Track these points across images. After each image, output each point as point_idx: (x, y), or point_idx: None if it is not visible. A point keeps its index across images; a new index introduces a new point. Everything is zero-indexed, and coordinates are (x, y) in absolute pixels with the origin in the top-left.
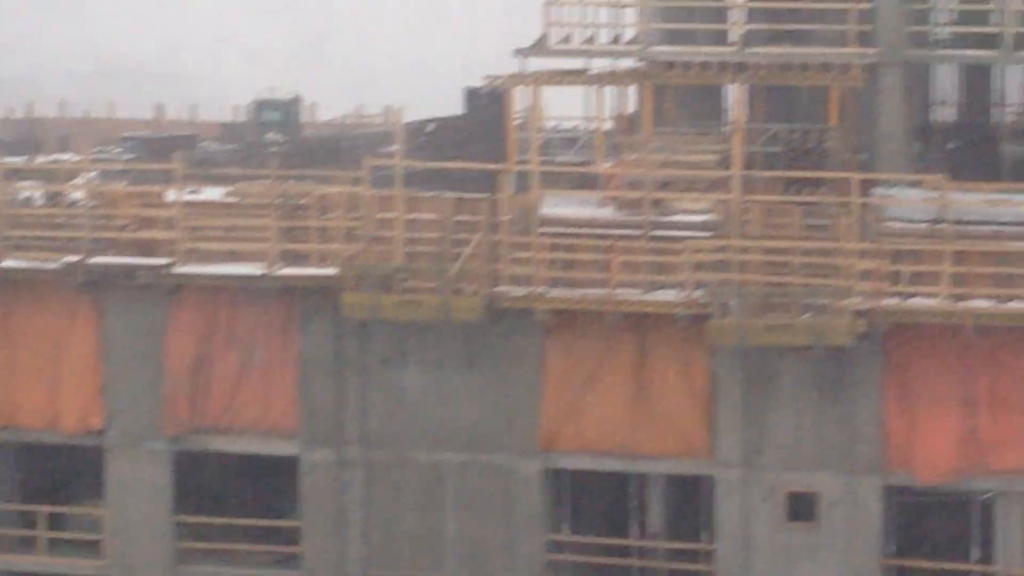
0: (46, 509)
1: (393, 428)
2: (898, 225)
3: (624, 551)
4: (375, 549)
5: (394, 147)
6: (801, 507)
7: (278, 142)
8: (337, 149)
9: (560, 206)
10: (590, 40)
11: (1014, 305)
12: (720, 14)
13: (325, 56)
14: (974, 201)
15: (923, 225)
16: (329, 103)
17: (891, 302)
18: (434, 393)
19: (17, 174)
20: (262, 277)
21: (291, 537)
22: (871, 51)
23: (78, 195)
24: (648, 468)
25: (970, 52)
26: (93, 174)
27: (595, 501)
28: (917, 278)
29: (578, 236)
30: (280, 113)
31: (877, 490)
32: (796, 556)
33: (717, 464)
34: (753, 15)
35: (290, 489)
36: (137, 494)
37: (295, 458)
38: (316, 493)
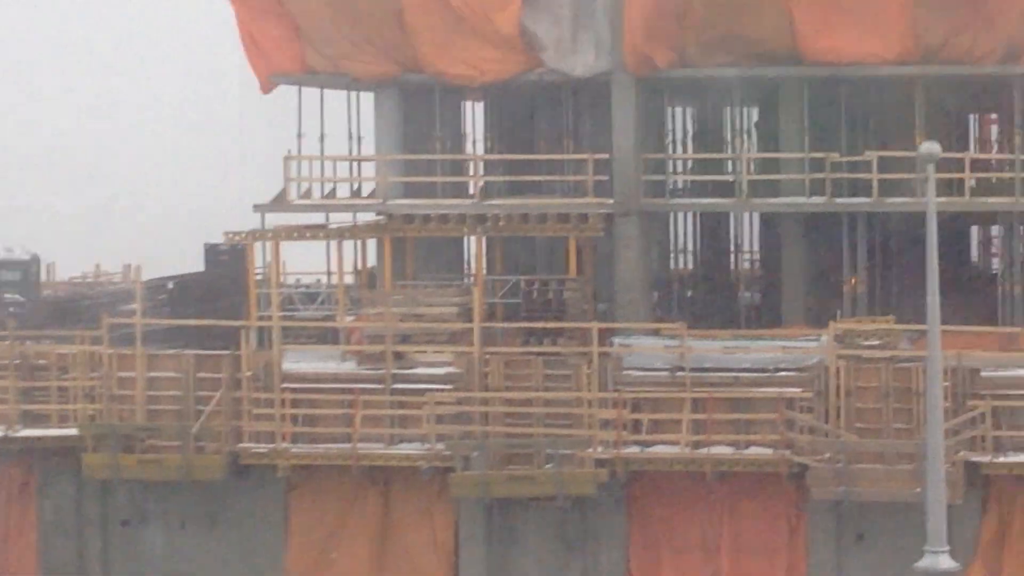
0: None
1: None
2: (638, 373)
3: None
4: None
5: (134, 305)
6: None
7: (17, 302)
8: (76, 308)
9: (302, 361)
10: (330, 194)
11: (753, 451)
12: (459, 167)
13: (58, 213)
14: (712, 348)
15: (663, 373)
16: (66, 262)
17: (632, 451)
18: (177, 553)
19: None
20: (1, 439)
21: None
22: (608, 201)
23: None
24: None
25: (706, 200)
26: None
27: None
28: (658, 426)
29: (320, 391)
30: (18, 273)
31: None
32: None
33: None
34: (492, 167)
35: None
36: None
37: None
38: None
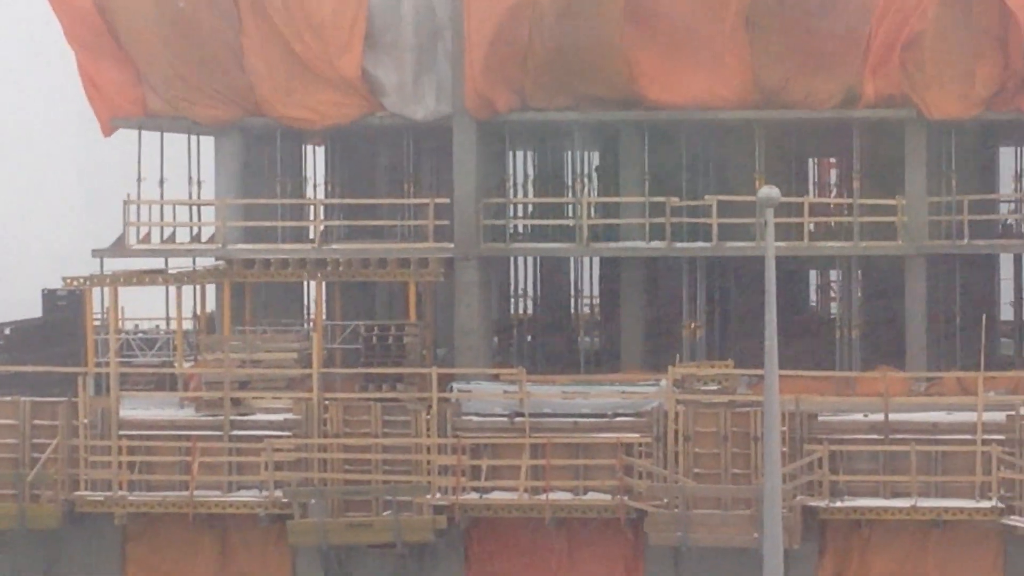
0: None
1: None
2: (477, 419)
3: None
4: None
5: None
6: None
7: None
8: None
9: (139, 408)
10: (170, 239)
11: (591, 496)
12: (300, 211)
13: None
14: (551, 394)
15: (502, 419)
16: None
17: (471, 497)
18: None
19: None
20: None
21: None
22: (449, 245)
23: None
24: None
25: (547, 245)
26: None
27: None
28: (496, 472)
29: (158, 438)
30: None
31: None
32: None
33: None
34: (332, 212)
35: None
36: None
37: None
38: None
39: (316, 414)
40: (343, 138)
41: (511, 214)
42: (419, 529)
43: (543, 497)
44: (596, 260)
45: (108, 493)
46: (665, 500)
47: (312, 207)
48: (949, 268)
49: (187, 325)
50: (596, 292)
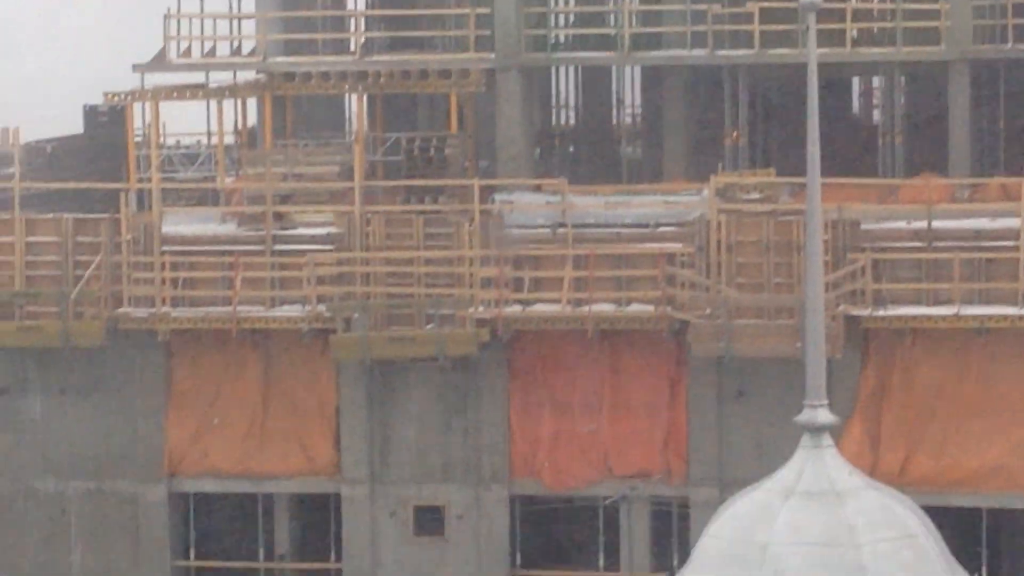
0: None
1: (15, 458)
2: (519, 231)
3: (252, 574)
4: None
5: (11, 169)
6: (428, 521)
7: None
8: None
9: (182, 224)
10: (210, 53)
11: (634, 308)
12: (340, 23)
13: None
14: (594, 204)
15: (544, 230)
16: None
17: (513, 309)
18: (57, 420)
19: None
20: None
21: None
22: (489, 56)
23: None
24: (275, 488)
25: (588, 54)
26: None
27: (223, 524)
28: (539, 284)
29: (200, 254)
30: None
31: (504, 500)
32: (425, 570)
33: (343, 481)
34: (372, 23)
35: None
36: None
37: None
38: None
39: (358, 227)
40: None
41: (552, 23)
42: (462, 342)
43: (586, 309)
44: (638, 69)
45: (151, 310)
46: (708, 311)
47: (353, 18)
48: (993, 73)
49: (228, 140)
50: (638, 102)
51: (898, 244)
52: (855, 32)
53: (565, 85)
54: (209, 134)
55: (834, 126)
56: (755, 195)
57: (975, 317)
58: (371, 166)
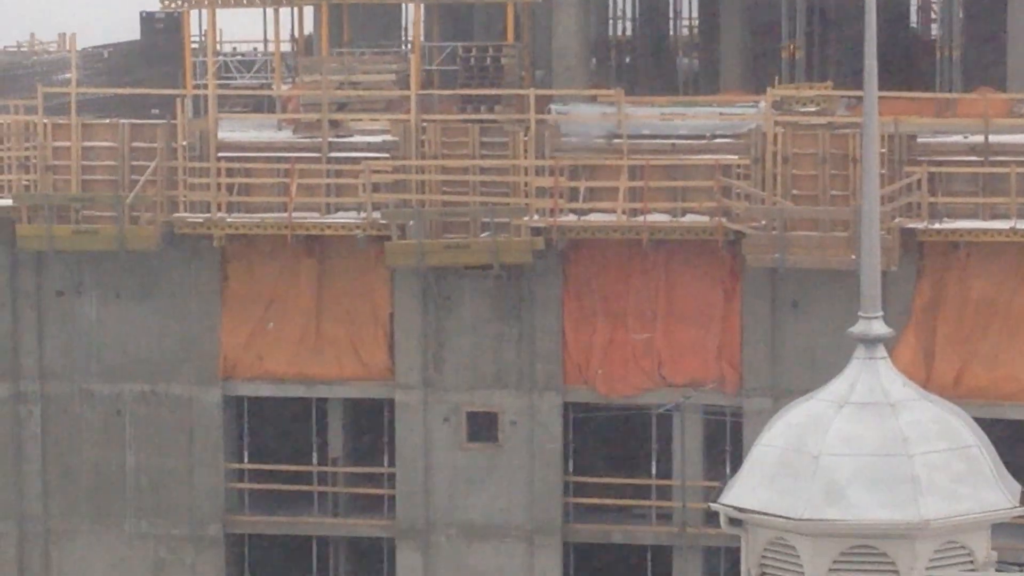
0: None
1: (71, 361)
2: (575, 141)
3: (305, 477)
4: (54, 483)
5: (69, 74)
6: (481, 427)
7: None
8: (10, 77)
9: (237, 130)
10: None
11: (689, 219)
12: None
13: None
14: (650, 115)
15: (600, 140)
16: (1, 31)
17: (568, 219)
18: (112, 324)
19: None
20: None
21: None
22: None
23: None
24: (328, 393)
25: None
26: None
27: (276, 427)
28: (594, 194)
29: (256, 160)
30: None
31: (557, 407)
32: (477, 476)
33: (397, 386)
34: None
35: None
36: None
37: None
38: None
39: (414, 135)
40: None
41: None
42: (517, 250)
43: (641, 218)
44: None
45: (207, 215)
46: (763, 222)
47: None
48: None
49: (285, 47)
50: (695, 13)
51: (954, 158)
52: None
53: None
54: (265, 41)
55: (892, 39)
56: (811, 108)
57: None
58: (427, 75)
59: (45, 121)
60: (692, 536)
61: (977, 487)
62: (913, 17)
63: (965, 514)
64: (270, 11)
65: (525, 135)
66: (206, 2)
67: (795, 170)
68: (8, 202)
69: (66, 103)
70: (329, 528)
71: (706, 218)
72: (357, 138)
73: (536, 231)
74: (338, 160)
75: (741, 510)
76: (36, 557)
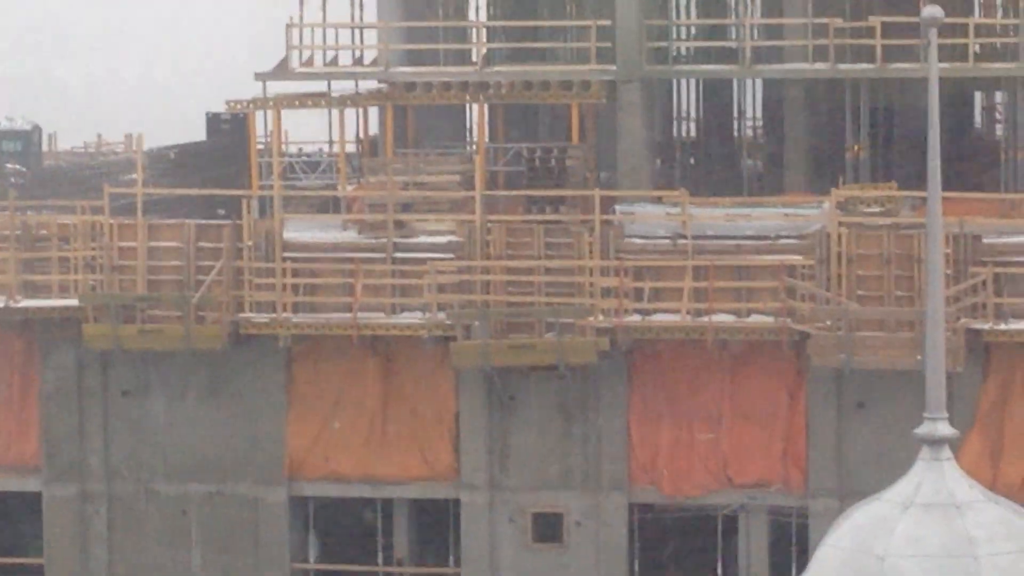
0: None
1: (137, 460)
2: (640, 241)
3: None
4: None
5: (135, 175)
6: (547, 527)
7: (18, 172)
8: (78, 178)
9: (303, 230)
10: (332, 62)
11: (753, 319)
12: (462, 33)
13: (59, 83)
14: (715, 216)
15: (665, 241)
16: (68, 131)
17: (633, 319)
18: (178, 423)
19: None
20: (2, 310)
21: (36, 575)
22: (611, 68)
23: None
24: (394, 493)
25: (709, 67)
26: None
27: (342, 528)
28: (659, 294)
29: (321, 260)
30: (19, 143)
31: (623, 508)
32: None
33: (462, 487)
34: (494, 34)
35: (34, 526)
36: None
37: (38, 494)
38: (59, 528)
39: (479, 236)
40: None
41: (674, 36)
42: (582, 351)
43: (706, 319)
44: (759, 82)
45: (272, 315)
46: (828, 322)
47: (475, 29)
48: None
49: (350, 148)
50: (759, 114)
51: (1020, 258)
52: (978, 47)
53: (687, 97)
54: (331, 142)
55: (956, 141)
56: (876, 208)
57: None
58: (492, 176)
59: (111, 221)
60: None
61: None
62: (977, 119)
63: None
64: (335, 112)
65: (590, 235)
66: (271, 103)
67: (860, 271)
68: (75, 302)
69: (132, 203)
70: None
71: (771, 319)
72: (422, 239)
73: (601, 331)
74: (403, 260)
75: None
76: None
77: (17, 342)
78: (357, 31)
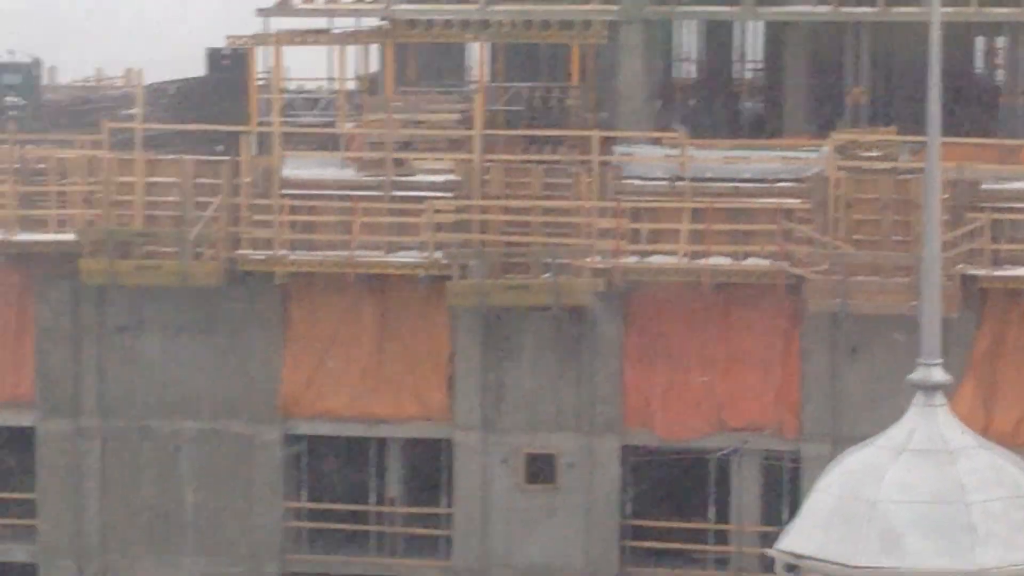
0: None
1: (131, 397)
2: (638, 183)
3: (363, 517)
4: (112, 521)
5: (135, 110)
6: (540, 469)
7: (17, 106)
8: (77, 112)
9: (301, 167)
10: None
11: (750, 262)
12: None
13: (60, 16)
14: (713, 158)
15: (663, 183)
16: (68, 65)
17: (630, 260)
18: (173, 360)
19: None
20: None
21: (27, 510)
22: (612, 8)
23: None
24: (388, 432)
25: (711, 8)
26: None
27: (334, 467)
28: (656, 236)
29: (320, 198)
30: (19, 76)
31: (616, 450)
32: (535, 518)
33: (456, 427)
34: None
35: (26, 461)
36: None
37: (31, 429)
38: (52, 464)
39: (477, 175)
40: None
41: None
42: (578, 291)
43: (702, 261)
44: (760, 24)
45: (269, 252)
46: (824, 266)
47: None
48: None
49: (350, 85)
50: (759, 56)
51: (1018, 204)
52: None
53: (687, 38)
54: (331, 79)
55: (956, 85)
56: (875, 153)
57: None
58: (491, 115)
59: (110, 156)
60: None
61: None
62: (978, 63)
63: (1022, 564)
64: (336, 49)
65: (588, 176)
66: (272, 39)
67: (857, 215)
68: (72, 237)
69: (131, 138)
70: (385, 568)
71: (768, 262)
72: (421, 177)
73: (597, 272)
74: (401, 199)
75: (797, 556)
76: None
77: (13, 276)
78: None
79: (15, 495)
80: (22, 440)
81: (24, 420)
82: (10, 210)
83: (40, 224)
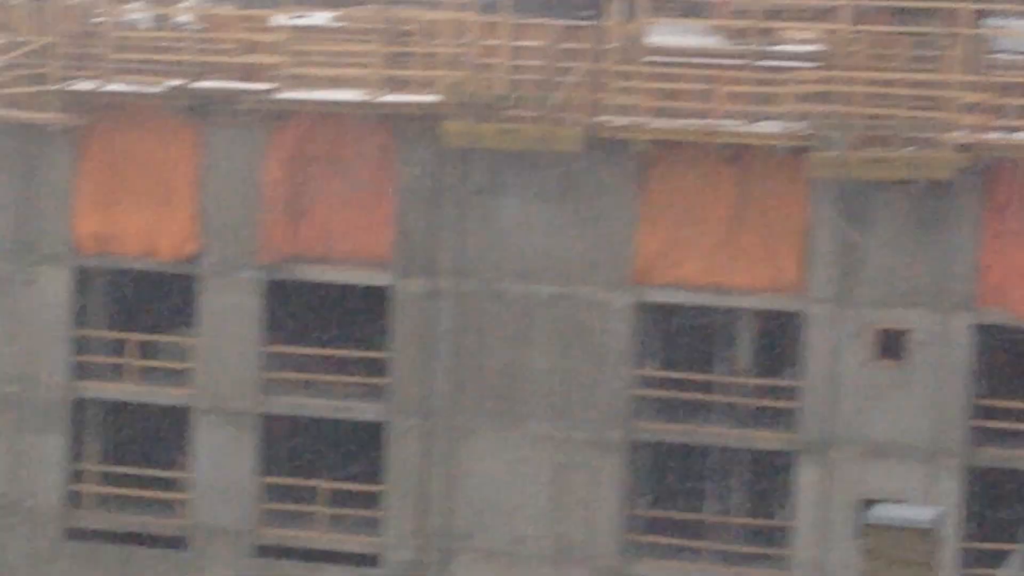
0: (136, 337)
1: (486, 259)
2: (1008, 57)
3: (710, 387)
4: (461, 381)
5: None
6: (891, 344)
7: None
8: None
9: (667, 34)
10: None
11: None
12: None
13: None
14: None
15: None
16: None
17: (995, 136)
18: (530, 225)
19: None
20: (364, 104)
21: (379, 368)
22: None
23: (185, 18)
24: (739, 303)
25: None
26: None
27: (684, 336)
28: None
29: (684, 65)
30: None
31: (969, 328)
32: (883, 393)
33: (808, 300)
34: None
35: (381, 319)
36: (229, 323)
37: (388, 288)
38: (406, 324)
39: (844, 46)
40: None
41: None
42: (939, 166)
43: None
44: None
45: (631, 119)
46: None
47: None
48: None
49: None
50: None
51: None
52: None
53: None
54: None
55: None
56: None
57: None
58: None
59: (476, 19)
60: None
61: None
62: None
63: None
64: None
65: (957, 49)
66: None
67: None
68: (435, 99)
69: (497, 1)
70: (730, 439)
71: None
72: (787, 47)
73: (960, 148)
74: (766, 68)
75: None
76: (439, 453)
77: (376, 138)
78: None
79: (369, 353)
80: (379, 299)
81: (380, 279)
82: (375, 70)
83: (404, 85)
